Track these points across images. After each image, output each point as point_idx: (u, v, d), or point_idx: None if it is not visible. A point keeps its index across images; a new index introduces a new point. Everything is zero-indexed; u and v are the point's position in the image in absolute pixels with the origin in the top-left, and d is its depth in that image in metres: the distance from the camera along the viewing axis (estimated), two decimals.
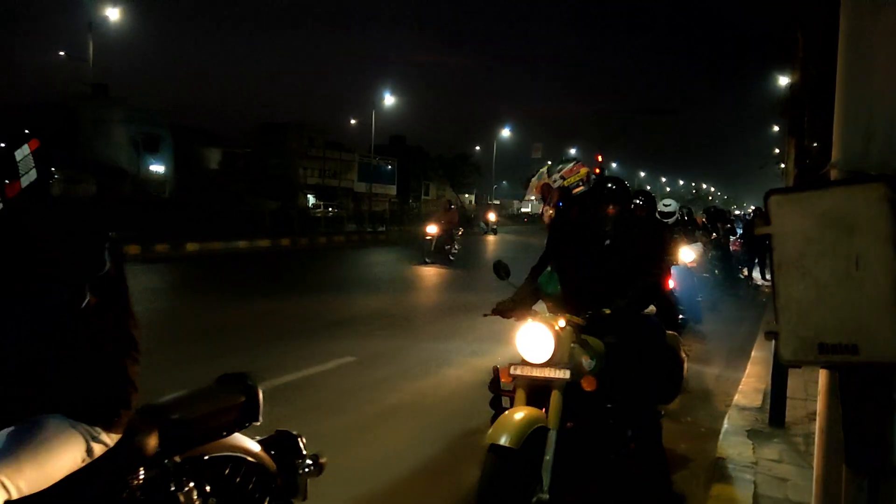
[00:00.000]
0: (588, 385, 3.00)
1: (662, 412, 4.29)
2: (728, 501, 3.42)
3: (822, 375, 1.71)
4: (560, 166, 3.50)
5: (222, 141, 54.36)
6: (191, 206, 23.65)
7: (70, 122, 41.85)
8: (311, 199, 50.78)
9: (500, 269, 3.59)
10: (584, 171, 3.48)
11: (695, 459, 4.32)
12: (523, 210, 63.29)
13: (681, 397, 5.56)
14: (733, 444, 4.25)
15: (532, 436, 2.83)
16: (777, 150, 29.07)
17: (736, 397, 5.48)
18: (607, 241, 3.41)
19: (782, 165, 17.44)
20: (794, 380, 5.63)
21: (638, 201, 5.86)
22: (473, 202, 69.01)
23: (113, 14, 31.33)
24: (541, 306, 3.79)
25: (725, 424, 4.69)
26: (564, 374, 2.99)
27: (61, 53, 31.41)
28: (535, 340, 3.06)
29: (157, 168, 47.05)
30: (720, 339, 8.64)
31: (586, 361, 3.11)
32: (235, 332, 7.99)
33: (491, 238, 34.84)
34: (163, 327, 8.42)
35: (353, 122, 52.14)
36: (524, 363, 3.10)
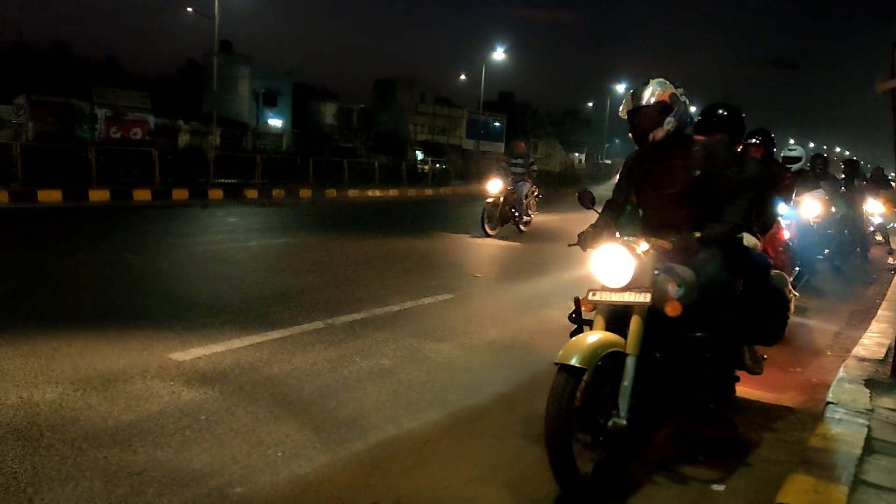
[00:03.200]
0: (672, 310, 2.87)
1: (764, 356, 4.06)
2: (836, 442, 3.21)
3: None
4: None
5: (337, 96, 55.99)
6: (305, 157, 24.66)
7: (197, 77, 44.51)
8: (420, 155, 51.44)
9: (585, 198, 3.53)
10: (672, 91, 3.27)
11: (803, 408, 4.09)
12: None
13: (791, 349, 5.27)
14: (847, 391, 3.97)
15: (609, 359, 2.76)
16: None
17: (855, 349, 5.10)
18: (697, 173, 3.19)
19: None
20: None
21: (754, 140, 5.39)
22: (583, 161, 67.16)
23: None
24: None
25: (841, 373, 4.38)
26: (645, 298, 2.84)
27: (189, 10, 33.14)
28: (613, 263, 2.95)
29: (276, 122, 49.20)
30: (844, 298, 8.03)
31: (672, 289, 2.94)
32: (342, 266, 8.32)
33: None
34: (278, 259, 8.93)
35: (462, 77, 51.85)
36: (603, 288, 3.00)
